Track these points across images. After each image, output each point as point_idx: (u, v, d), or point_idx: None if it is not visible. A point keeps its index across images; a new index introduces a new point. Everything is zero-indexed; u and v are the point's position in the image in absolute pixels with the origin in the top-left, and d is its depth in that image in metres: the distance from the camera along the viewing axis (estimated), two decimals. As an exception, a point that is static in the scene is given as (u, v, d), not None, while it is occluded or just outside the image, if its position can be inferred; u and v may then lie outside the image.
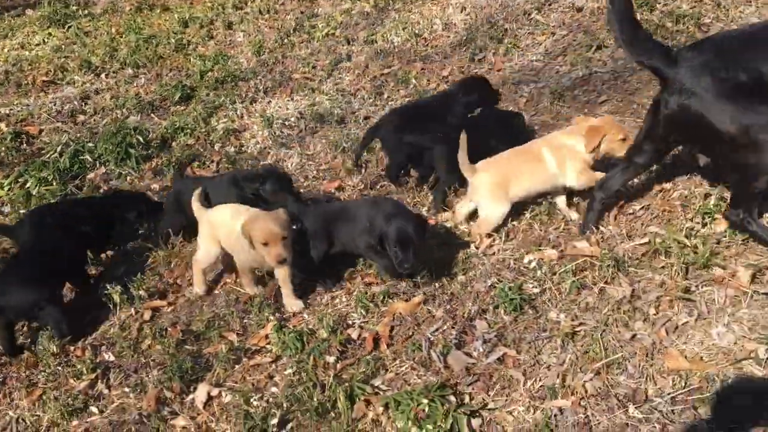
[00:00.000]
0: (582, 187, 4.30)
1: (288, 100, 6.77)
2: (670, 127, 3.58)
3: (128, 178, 5.99)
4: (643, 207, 4.18)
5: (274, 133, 6.25)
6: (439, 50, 6.99)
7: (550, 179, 4.28)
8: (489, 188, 4.25)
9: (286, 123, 6.36)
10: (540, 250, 4.07)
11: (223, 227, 4.29)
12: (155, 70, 8.05)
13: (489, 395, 3.33)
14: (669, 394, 3.04)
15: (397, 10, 8.06)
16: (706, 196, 4.02)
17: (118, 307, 4.45)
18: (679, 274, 3.60)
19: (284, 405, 3.51)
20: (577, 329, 3.49)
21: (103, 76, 8.13)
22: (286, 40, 8.06)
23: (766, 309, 3.29)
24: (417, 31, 7.35)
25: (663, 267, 3.69)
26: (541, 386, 3.27)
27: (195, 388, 3.78)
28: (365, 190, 5.19)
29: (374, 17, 8.04)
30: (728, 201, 3.72)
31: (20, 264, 4.49)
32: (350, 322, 3.97)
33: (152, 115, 7.06)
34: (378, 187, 5.19)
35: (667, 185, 4.26)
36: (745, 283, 3.44)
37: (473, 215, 4.46)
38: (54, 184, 5.83)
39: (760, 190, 3.43)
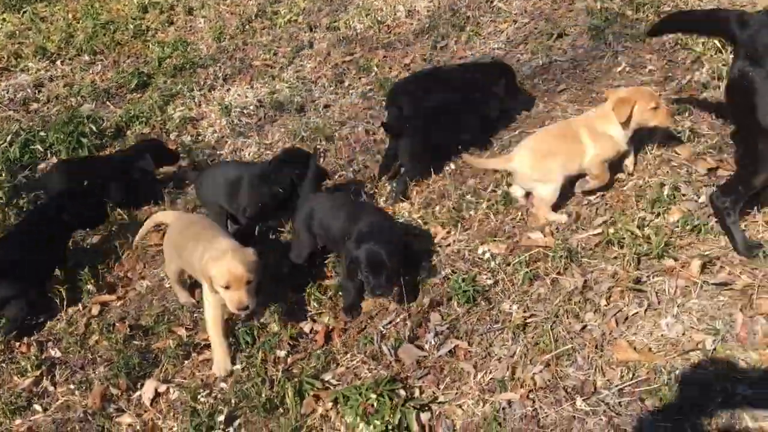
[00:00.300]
0: (591, 173, 4.10)
1: (247, 88, 6.65)
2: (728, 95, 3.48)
3: (80, 168, 5.82)
4: (597, 197, 4.15)
5: (232, 121, 6.13)
6: (401, 38, 6.90)
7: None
8: (532, 169, 4.09)
9: (245, 111, 6.24)
10: (495, 240, 4.03)
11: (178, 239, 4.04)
12: (112, 57, 7.85)
13: (439, 388, 3.29)
14: (617, 386, 3.03)
15: (361, -3, 7.94)
16: (661, 185, 4.00)
17: (65, 302, 4.32)
18: (631, 264, 3.58)
19: (232, 401, 3.45)
20: (529, 321, 3.47)
21: (58, 62, 7.90)
22: (247, 27, 7.90)
23: (714, 299, 3.29)
24: (380, 18, 7.24)
25: (615, 257, 3.67)
26: (491, 379, 3.25)
27: (142, 385, 3.70)
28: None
29: (338, 4, 7.90)
30: (720, 184, 3.63)
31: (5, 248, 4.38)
32: (303, 315, 3.90)
33: (108, 103, 6.88)
34: (336, 177, 5.10)
35: (622, 175, 4.24)
36: (695, 273, 3.43)
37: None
38: (2, 174, 5.64)
39: (756, 187, 3.38)
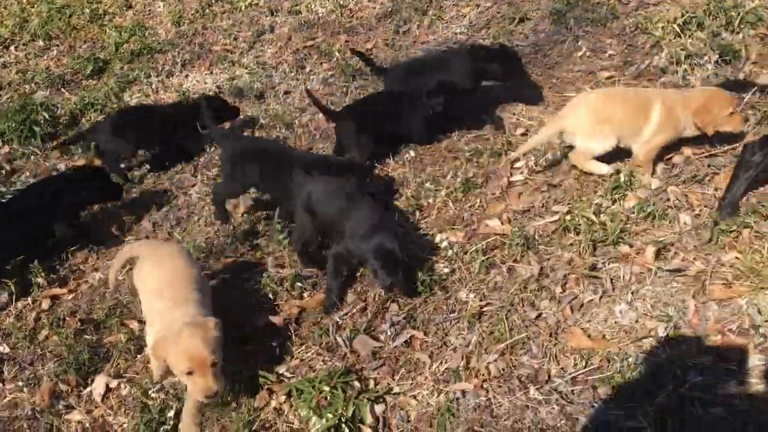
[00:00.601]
0: (638, 156, 4.00)
1: (206, 74, 6.50)
2: None
3: (32, 157, 5.65)
4: (555, 184, 4.14)
5: (190, 109, 5.98)
6: (364, 22, 6.80)
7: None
8: (589, 124, 4.00)
9: (203, 98, 6.09)
10: (453, 228, 4.00)
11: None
12: (68, 42, 7.62)
13: (394, 379, 3.26)
14: (570, 374, 3.03)
15: (324, -20, 7.80)
16: (617, 172, 3.99)
17: (14, 296, 4.19)
18: (587, 251, 3.58)
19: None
20: (485, 309, 3.44)
21: (12, 48, 7.67)
22: (207, 10, 7.71)
23: (668, 286, 3.30)
24: (342, 2, 7.13)
25: (572, 244, 3.67)
26: (446, 369, 3.22)
27: (93, 380, 3.60)
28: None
29: (300, -13, 7.77)
30: (761, 136, 3.56)
31: None
32: (258, 308, 3.83)
33: (63, 90, 6.68)
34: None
35: (580, 161, 4.22)
36: (649, 260, 3.44)
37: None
38: (-49, 163, 5.46)
39: None
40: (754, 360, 2.83)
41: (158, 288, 3.31)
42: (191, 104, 5.44)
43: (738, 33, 4.98)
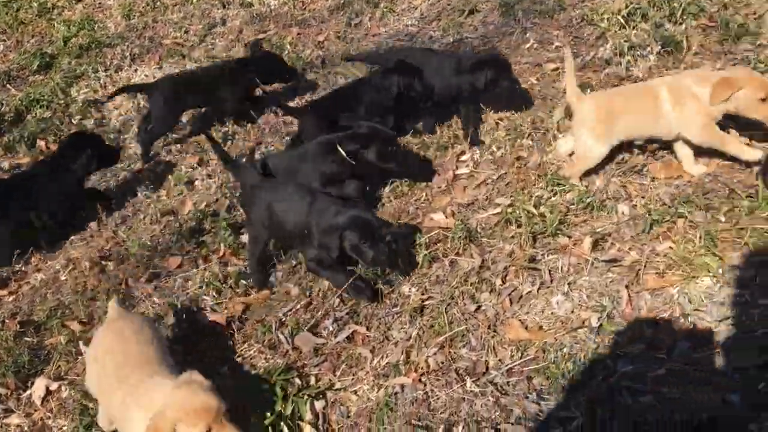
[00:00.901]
0: (702, 145, 3.71)
1: (156, 68, 6.41)
2: None
3: (-25, 156, 5.53)
4: (499, 176, 4.17)
5: (139, 103, 5.90)
6: (316, 14, 6.77)
7: (660, 123, 3.73)
8: (591, 123, 3.84)
9: (152, 93, 6.00)
10: (397, 222, 4.01)
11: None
12: (15, 37, 7.50)
13: (335, 375, 3.27)
14: (506, 365, 3.06)
15: (277, -29, 7.72)
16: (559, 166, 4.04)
17: (-47, 299, 4.11)
18: (527, 243, 3.61)
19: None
20: (426, 303, 3.46)
21: (-44, 43, 7.48)
22: (158, 3, 7.60)
23: (604, 276, 3.35)
24: (294, -6, 7.07)
25: (513, 236, 3.70)
26: (386, 363, 3.24)
27: (32, 383, 3.55)
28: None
29: (252, -21, 7.68)
30: None
31: None
32: (202, 306, 3.81)
33: (8, 86, 6.55)
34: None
35: (524, 153, 4.26)
36: (586, 251, 3.48)
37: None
38: None
39: None
40: (683, 348, 2.89)
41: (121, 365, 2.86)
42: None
43: (681, 24, 5.04)
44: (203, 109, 5.55)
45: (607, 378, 2.85)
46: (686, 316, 3.02)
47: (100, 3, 7.98)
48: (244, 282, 3.88)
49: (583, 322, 3.14)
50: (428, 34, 5.93)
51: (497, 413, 2.87)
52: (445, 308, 3.37)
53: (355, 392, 3.17)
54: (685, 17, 5.05)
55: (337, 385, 3.22)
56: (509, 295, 3.41)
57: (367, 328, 3.45)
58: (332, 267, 3.58)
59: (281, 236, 3.83)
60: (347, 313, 3.54)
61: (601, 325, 3.09)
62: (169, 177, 4.96)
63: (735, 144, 3.66)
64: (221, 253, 4.13)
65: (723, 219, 3.42)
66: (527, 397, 2.90)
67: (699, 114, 3.61)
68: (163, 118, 5.18)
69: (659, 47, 4.81)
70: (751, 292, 3.03)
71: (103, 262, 4.26)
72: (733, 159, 3.68)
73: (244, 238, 4.20)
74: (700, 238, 3.30)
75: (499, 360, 3.12)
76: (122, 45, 6.88)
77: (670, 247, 3.36)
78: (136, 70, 6.44)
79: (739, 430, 2.54)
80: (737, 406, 2.62)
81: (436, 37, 5.82)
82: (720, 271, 3.15)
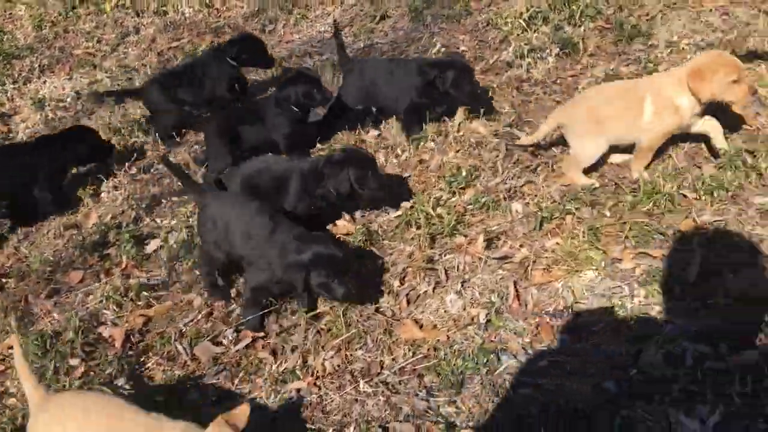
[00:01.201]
0: (641, 148, 3.75)
1: (66, 79, 6.29)
2: None
3: None
4: (403, 179, 4.24)
5: (47, 115, 5.78)
6: (231, 21, 6.76)
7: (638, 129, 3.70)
8: (580, 125, 3.80)
9: (61, 104, 5.90)
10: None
11: None
12: None
13: (234, 384, 3.27)
14: (399, 365, 3.12)
15: (194, -21, 7.67)
16: (458, 167, 4.12)
17: None
18: (425, 244, 3.68)
19: (19, 417, 3.27)
20: (324, 307, 3.49)
21: None
22: (71, 13, 7.44)
23: (495, 273, 3.45)
24: (209, 2, 7.03)
25: (413, 238, 3.77)
26: (284, 369, 3.25)
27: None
28: (138, 175, 4.92)
29: (169, -14, 7.61)
30: None
31: None
32: (102, 320, 3.75)
33: None
34: (152, 171, 4.93)
35: (426, 155, 4.35)
36: (480, 249, 3.58)
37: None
38: None
39: None
40: (563, 339, 3.01)
41: None
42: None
43: (579, 26, 5.23)
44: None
45: (492, 372, 2.94)
46: (568, 309, 3.14)
47: (10, 14, 7.77)
48: (145, 294, 3.84)
49: (472, 319, 3.22)
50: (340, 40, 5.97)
51: (387, 411, 2.92)
52: (343, 311, 3.41)
53: (253, 399, 3.18)
54: (583, 20, 5.25)
55: (236, 394, 3.23)
56: (407, 295, 3.48)
57: (267, 334, 3.46)
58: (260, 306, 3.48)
59: (233, 256, 3.62)
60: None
61: (489, 320, 3.19)
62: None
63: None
64: (124, 266, 4.08)
65: (608, 214, 3.57)
66: (417, 395, 2.96)
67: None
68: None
69: (558, 49, 4.98)
70: (629, 283, 3.17)
71: (3, 280, 4.16)
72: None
73: (149, 248, 4.17)
74: (584, 233, 3.43)
75: (393, 359, 3.17)
76: (31, 56, 6.72)
77: (558, 243, 3.48)
78: (45, 82, 6.30)
79: (612, 416, 2.65)
80: (611, 393, 2.74)
81: (348, 43, 5.86)
82: (602, 264, 3.29)
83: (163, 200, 4.61)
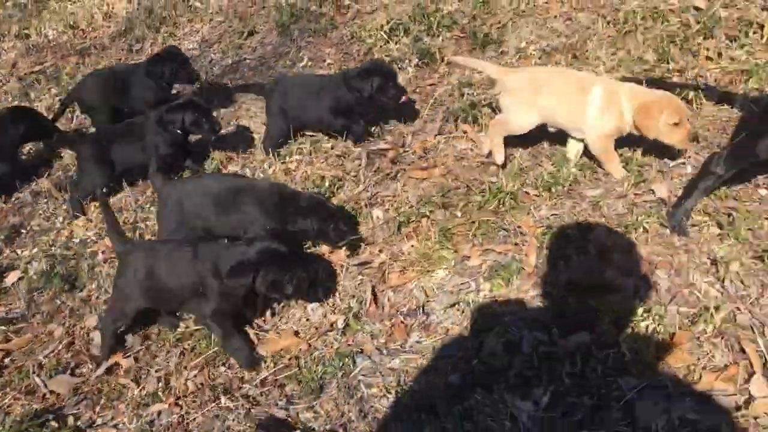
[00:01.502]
0: (593, 152, 3.79)
1: None
2: None
3: None
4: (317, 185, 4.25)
5: None
6: (97, 42, 6.60)
7: (577, 118, 3.71)
8: (518, 93, 3.79)
9: None
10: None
11: None
12: None
13: (95, 412, 3.22)
14: (260, 377, 3.17)
15: (58, 1, 7.44)
16: (322, 178, 4.22)
17: None
18: (291, 255, 3.75)
19: None
20: (189, 326, 3.50)
21: None
22: (-75, 38, 7.06)
23: (355, 279, 3.56)
24: (74, 23, 6.84)
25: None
26: (146, 393, 3.24)
27: None
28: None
29: (31, 9, 7.36)
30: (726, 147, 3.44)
31: None
32: (-44, 359, 3.61)
33: None
34: (12, 200, 4.77)
35: (293, 165, 4.42)
36: (342, 256, 3.68)
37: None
38: None
39: (751, 159, 3.29)
40: (415, 338, 3.15)
41: None
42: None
43: (438, 36, 5.45)
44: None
45: (348, 374, 3.05)
46: (421, 308, 3.30)
47: None
48: (3, 328, 3.71)
49: (332, 325, 3.32)
50: (209, 57, 5.98)
51: (248, 424, 2.97)
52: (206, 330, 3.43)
53: (116, 426, 3.15)
54: (440, 30, 5.47)
55: (98, 421, 3.18)
56: (271, 307, 3.53)
57: (125, 357, 3.43)
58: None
59: (165, 301, 3.42)
60: (109, 347, 3.50)
61: (347, 325, 3.30)
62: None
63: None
64: (-23, 300, 3.93)
65: (459, 215, 3.76)
66: (277, 404, 3.03)
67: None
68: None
69: (417, 59, 5.18)
70: (475, 278, 3.36)
71: None
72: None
73: (8, 281, 4.04)
74: (436, 234, 3.61)
75: (256, 372, 3.22)
76: None
77: (413, 246, 3.63)
78: None
79: (453, 407, 2.79)
80: (456, 386, 2.89)
81: (216, 60, 5.89)
82: (453, 262, 3.47)
83: (23, 230, 4.47)
